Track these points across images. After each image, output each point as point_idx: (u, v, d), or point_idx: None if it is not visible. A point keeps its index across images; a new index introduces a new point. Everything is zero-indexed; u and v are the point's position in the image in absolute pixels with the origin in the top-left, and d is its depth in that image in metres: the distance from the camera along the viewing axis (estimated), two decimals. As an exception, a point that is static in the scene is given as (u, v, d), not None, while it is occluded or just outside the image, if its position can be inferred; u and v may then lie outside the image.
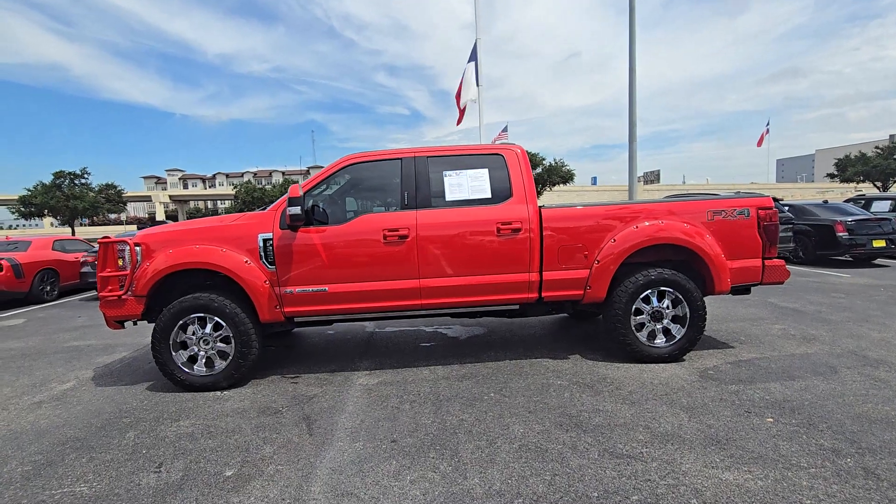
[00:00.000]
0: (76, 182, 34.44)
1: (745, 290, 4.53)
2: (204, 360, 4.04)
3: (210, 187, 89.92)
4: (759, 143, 64.30)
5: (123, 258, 4.09)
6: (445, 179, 4.21)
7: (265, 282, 3.97)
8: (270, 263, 4.01)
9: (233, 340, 3.99)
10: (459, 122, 13.87)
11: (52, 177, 33.80)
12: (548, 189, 41.93)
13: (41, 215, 35.11)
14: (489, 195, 4.20)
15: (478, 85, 14.17)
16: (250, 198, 39.39)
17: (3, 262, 8.72)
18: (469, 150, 4.35)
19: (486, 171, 4.25)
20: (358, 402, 3.64)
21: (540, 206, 4.24)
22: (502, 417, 3.26)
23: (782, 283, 4.40)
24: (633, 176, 12.93)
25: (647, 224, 4.20)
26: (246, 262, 3.97)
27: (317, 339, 5.67)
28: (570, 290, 4.22)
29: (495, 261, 4.11)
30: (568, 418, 3.20)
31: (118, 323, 4.15)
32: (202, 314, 3.97)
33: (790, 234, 9.72)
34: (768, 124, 65.21)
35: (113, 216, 48.68)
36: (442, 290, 4.11)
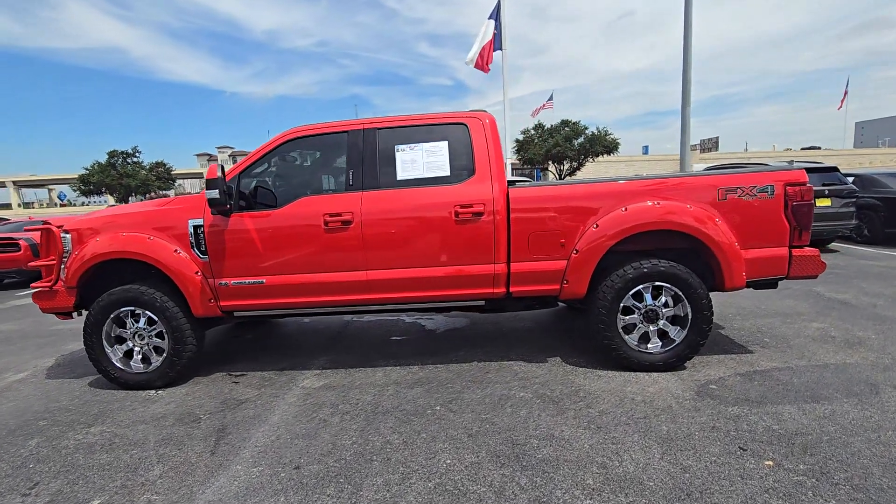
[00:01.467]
0: (128, 161, 36.13)
1: (769, 284, 3.72)
2: (140, 356, 3.75)
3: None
4: (840, 106, 58.49)
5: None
6: (397, 155, 3.62)
7: (196, 273, 3.59)
8: (203, 252, 3.61)
9: (166, 336, 3.67)
10: (486, 68, 13.05)
11: (107, 156, 35.62)
12: (591, 160, 39.90)
13: (99, 193, 37.27)
14: (448, 173, 3.59)
15: (500, 49, 13.17)
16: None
17: (21, 241, 8.95)
18: (428, 119, 3.72)
19: (445, 144, 3.63)
20: (287, 411, 3.22)
21: (509, 185, 3.58)
22: (435, 441, 2.73)
23: (815, 277, 3.55)
24: (686, 144, 11.69)
25: (641, 206, 3.46)
26: (176, 250, 3.60)
27: (290, 328, 5.32)
28: (544, 285, 3.58)
29: (453, 250, 3.52)
30: (511, 447, 2.63)
31: (61, 314, 3.93)
32: (134, 307, 3.66)
33: (852, 209, 8.44)
34: (847, 84, 58.91)
35: (163, 193, 51.01)
36: (393, 283, 3.58)
